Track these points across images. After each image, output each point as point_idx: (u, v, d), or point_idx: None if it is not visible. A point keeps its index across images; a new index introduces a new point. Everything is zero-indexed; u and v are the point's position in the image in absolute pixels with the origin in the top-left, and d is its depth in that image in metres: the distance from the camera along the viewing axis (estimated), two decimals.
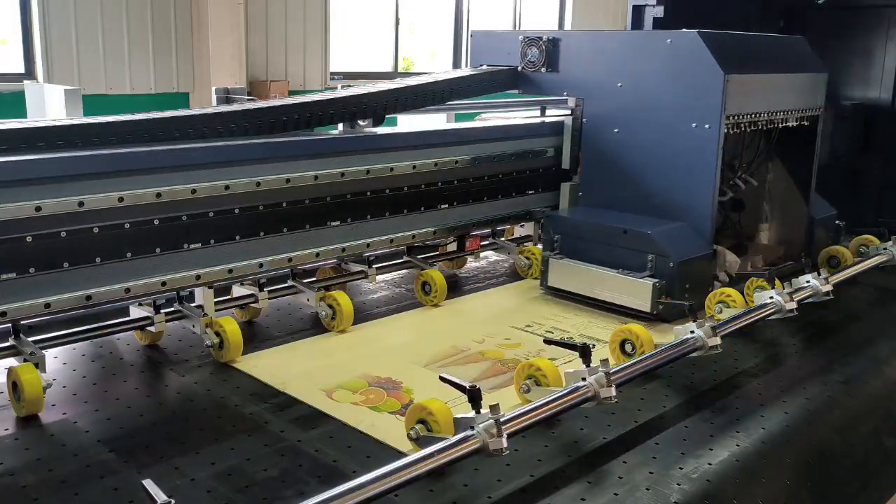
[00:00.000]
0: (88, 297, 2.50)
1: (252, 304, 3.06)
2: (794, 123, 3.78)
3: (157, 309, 2.76)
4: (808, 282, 3.21)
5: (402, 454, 2.04)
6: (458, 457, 1.91)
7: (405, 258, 3.56)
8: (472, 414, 1.98)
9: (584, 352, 2.30)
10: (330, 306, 3.05)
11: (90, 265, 2.51)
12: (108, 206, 2.50)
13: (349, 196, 3.18)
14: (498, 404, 1.98)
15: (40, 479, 2.01)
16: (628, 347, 2.75)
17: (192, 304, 2.87)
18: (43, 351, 2.47)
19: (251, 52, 10.66)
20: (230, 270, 2.84)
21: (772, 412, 2.48)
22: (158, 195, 2.60)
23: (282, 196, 2.95)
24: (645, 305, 3.18)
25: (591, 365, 2.25)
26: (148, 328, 2.80)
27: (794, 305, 3.04)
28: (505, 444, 1.94)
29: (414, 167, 3.35)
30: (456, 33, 14.12)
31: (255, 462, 2.10)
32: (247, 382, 2.60)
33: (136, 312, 2.80)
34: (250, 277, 2.97)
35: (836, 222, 4.17)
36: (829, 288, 3.22)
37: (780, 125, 3.72)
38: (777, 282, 3.16)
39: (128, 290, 2.59)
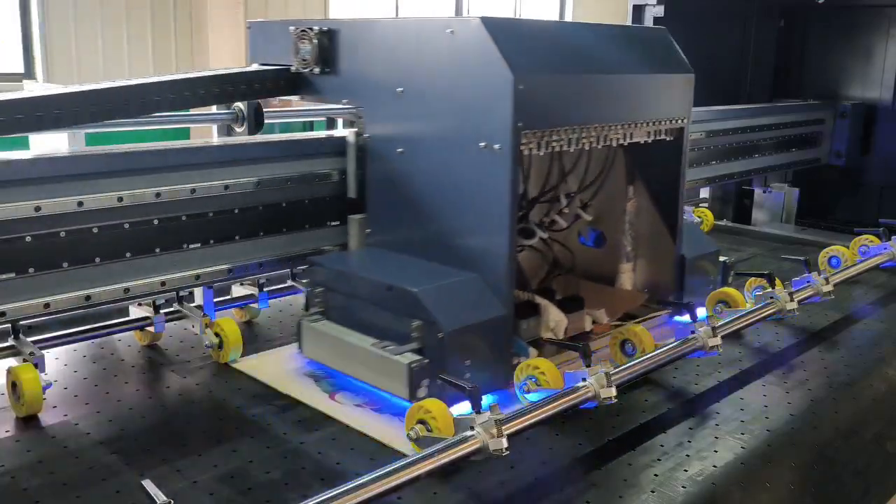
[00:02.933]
0: (88, 298, 2.50)
1: (251, 305, 3.06)
2: (647, 139, 2.94)
3: (156, 309, 2.76)
4: (808, 282, 3.21)
5: (405, 457, 2.04)
6: (458, 457, 1.91)
7: None
8: (471, 414, 1.99)
9: (585, 352, 2.30)
10: None
11: (90, 265, 2.50)
12: (108, 206, 2.49)
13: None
14: (497, 404, 1.98)
15: (42, 482, 2.01)
16: (628, 347, 2.75)
17: (192, 305, 2.87)
18: (43, 351, 2.47)
19: None
20: (230, 270, 2.84)
21: (776, 413, 2.48)
22: (158, 195, 2.59)
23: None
24: (402, 391, 2.36)
25: (591, 365, 2.25)
26: (147, 328, 2.80)
27: (794, 305, 3.04)
28: (505, 445, 1.93)
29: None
30: None
31: (258, 465, 2.10)
32: (248, 384, 2.60)
33: (135, 312, 2.80)
34: (249, 278, 2.97)
35: (722, 260, 3.41)
36: (829, 288, 3.22)
37: (622, 141, 2.85)
38: (777, 282, 3.16)
39: (127, 290, 2.58)
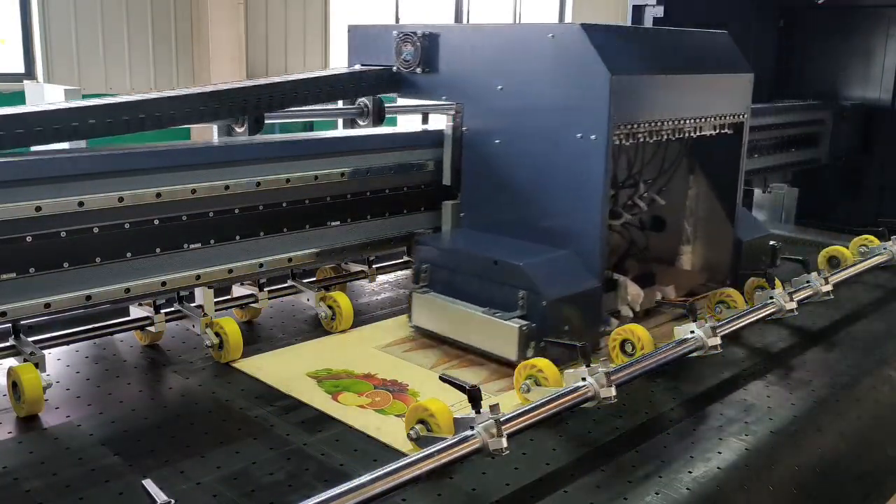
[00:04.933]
0: (88, 297, 2.50)
1: (252, 305, 3.06)
2: (713, 132, 3.26)
3: (156, 309, 2.76)
4: (808, 282, 3.21)
5: (405, 456, 2.04)
6: (458, 457, 1.91)
7: (405, 258, 3.56)
8: (472, 414, 1.99)
9: (585, 352, 2.30)
10: (330, 307, 3.05)
11: (90, 265, 2.50)
12: (108, 206, 2.50)
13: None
14: (498, 404, 1.98)
15: (44, 483, 2.00)
16: (628, 347, 2.75)
17: (192, 305, 2.87)
18: (43, 351, 2.47)
19: (251, 50, 10.67)
20: (230, 270, 2.84)
21: (779, 414, 2.48)
22: (158, 195, 2.59)
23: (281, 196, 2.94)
24: (511, 353, 2.67)
25: (591, 365, 2.25)
26: (148, 328, 2.80)
27: (794, 305, 3.04)
28: (505, 444, 1.94)
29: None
30: None
31: (261, 466, 2.10)
32: (250, 384, 2.60)
33: (135, 312, 2.80)
34: (250, 278, 2.97)
35: (772, 244, 3.60)
36: (829, 288, 3.22)
37: (693, 134, 3.17)
38: (777, 282, 3.16)
39: (128, 290, 2.58)
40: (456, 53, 3.14)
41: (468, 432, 1.95)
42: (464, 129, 3.16)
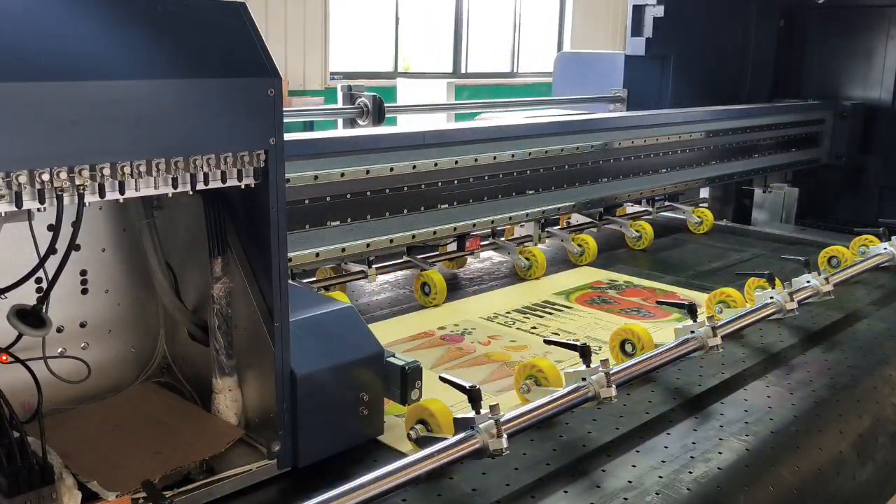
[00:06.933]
0: None
1: None
2: (167, 190, 1.70)
3: None
4: (808, 282, 3.21)
5: (405, 456, 2.03)
6: (458, 457, 1.90)
7: (405, 258, 3.56)
8: (472, 414, 1.98)
9: (585, 352, 2.29)
10: None
11: None
12: None
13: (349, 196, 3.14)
14: (498, 404, 1.97)
15: None
16: (628, 347, 2.75)
17: None
18: None
19: None
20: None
21: (780, 415, 2.47)
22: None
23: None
24: None
25: (592, 365, 2.25)
26: None
27: (794, 305, 3.04)
28: (505, 445, 1.93)
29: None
30: (456, 33, 14.14)
31: None
32: None
33: None
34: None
35: (401, 364, 2.17)
36: (829, 288, 3.22)
37: (88, 200, 1.57)
38: (777, 281, 3.16)
39: None
40: None
41: (468, 432, 1.94)
42: None
